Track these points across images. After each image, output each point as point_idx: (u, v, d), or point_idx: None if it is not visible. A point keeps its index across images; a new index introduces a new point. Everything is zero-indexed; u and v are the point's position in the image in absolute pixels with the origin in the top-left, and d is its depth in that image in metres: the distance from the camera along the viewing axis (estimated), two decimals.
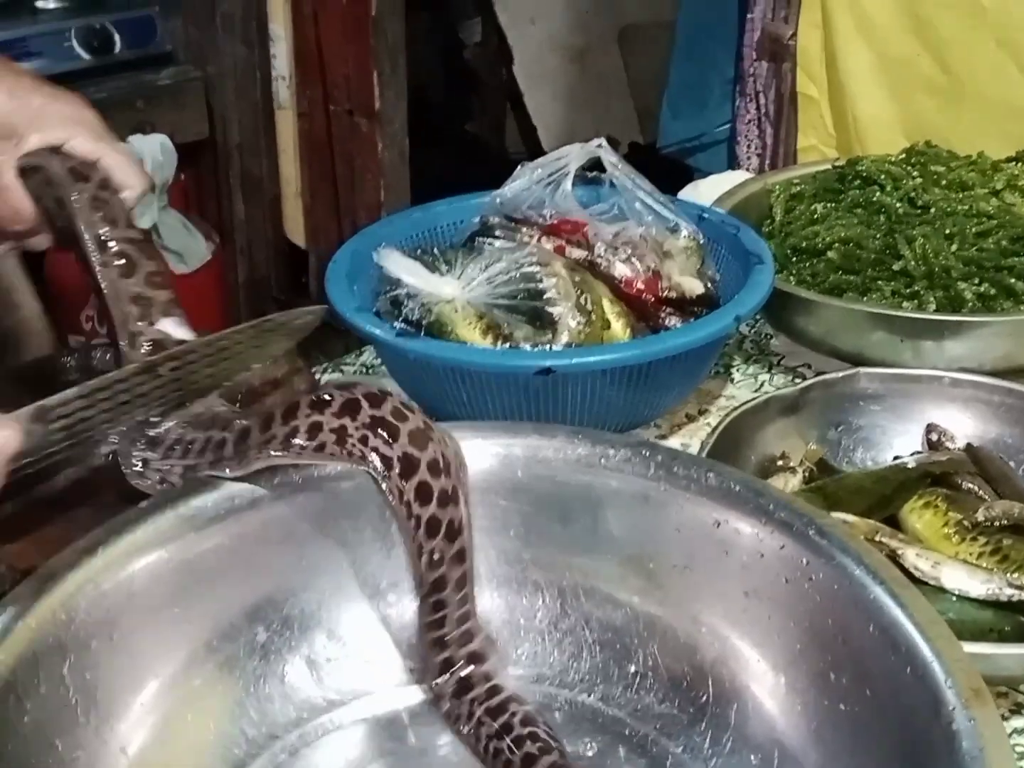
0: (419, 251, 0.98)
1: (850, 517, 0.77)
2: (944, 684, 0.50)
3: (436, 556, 0.59)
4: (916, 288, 1.01)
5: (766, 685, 0.60)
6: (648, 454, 0.65)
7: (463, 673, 0.61)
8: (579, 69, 3.22)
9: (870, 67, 1.64)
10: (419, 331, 0.88)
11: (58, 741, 0.54)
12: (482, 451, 0.65)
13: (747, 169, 1.83)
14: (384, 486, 0.59)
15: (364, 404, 0.58)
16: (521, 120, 3.27)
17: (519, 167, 1.04)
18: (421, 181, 2.28)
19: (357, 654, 0.66)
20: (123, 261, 0.69)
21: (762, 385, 1.05)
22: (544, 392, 0.85)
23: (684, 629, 0.63)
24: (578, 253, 0.98)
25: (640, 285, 0.96)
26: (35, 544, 0.65)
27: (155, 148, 2.10)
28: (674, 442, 0.95)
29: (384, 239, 0.99)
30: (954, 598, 0.73)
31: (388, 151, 2.19)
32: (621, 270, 0.96)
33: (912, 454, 0.86)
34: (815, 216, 1.12)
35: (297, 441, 0.58)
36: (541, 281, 0.90)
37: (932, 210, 1.09)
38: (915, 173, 1.14)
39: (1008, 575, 0.72)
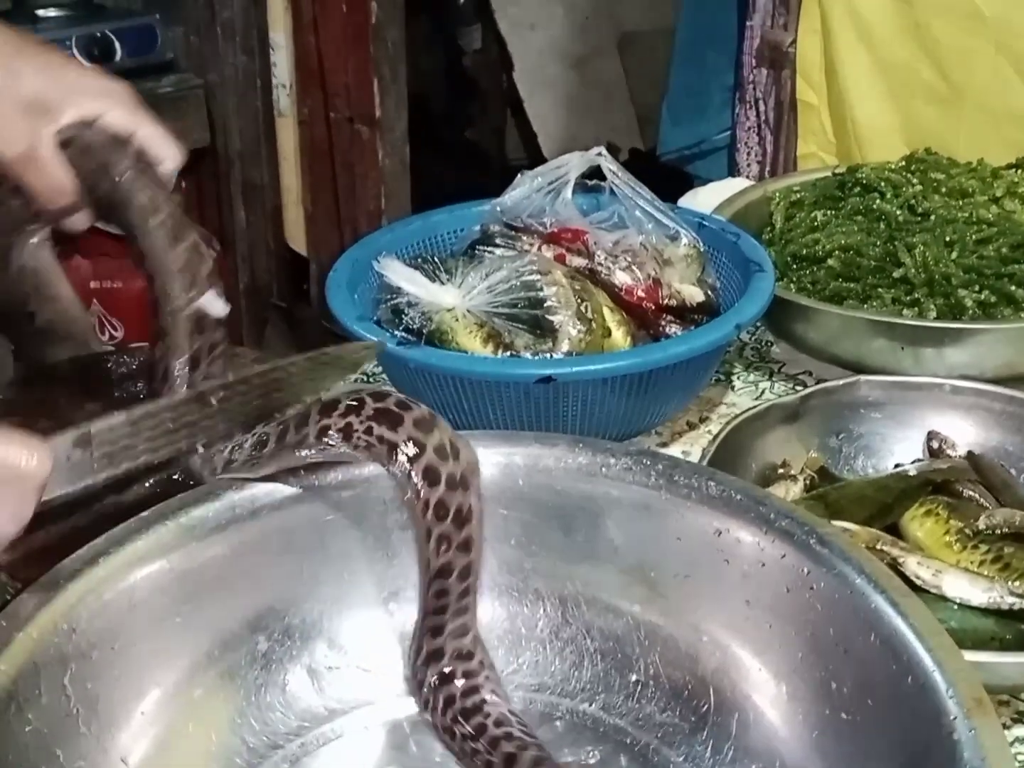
0: (419, 260, 0.98)
1: (851, 526, 0.77)
2: (946, 693, 0.50)
3: (444, 541, 0.59)
4: (916, 295, 1.01)
5: (767, 694, 0.60)
6: (649, 463, 0.65)
7: (447, 668, 0.61)
8: (579, 76, 3.22)
9: (870, 74, 1.64)
10: (420, 340, 0.88)
11: (59, 751, 0.54)
12: (483, 460, 0.65)
13: (747, 176, 1.83)
14: (391, 470, 0.59)
15: (368, 400, 0.60)
16: (521, 127, 3.27)
17: (519, 175, 1.04)
18: (422, 188, 2.29)
19: (358, 663, 0.66)
20: (169, 228, 0.69)
21: (763, 393, 1.05)
22: (545, 401, 0.85)
23: (685, 638, 0.63)
24: (578, 261, 0.98)
25: (640, 293, 0.96)
26: (36, 554, 0.65)
27: None
28: (675, 450, 0.95)
29: (384, 248, 0.99)
30: (955, 607, 0.73)
31: (389, 159, 2.19)
32: (621, 278, 0.96)
33: (913, 462, 0.86)
34: (815, 223, 1.13)
35: (309, 442, 0.60)
36: (541, 289, 0.90)
37: (932, 217, 1.09)
38: (915, 180, 1.14)
39: (1009, 583, 0.72)
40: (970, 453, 0.87)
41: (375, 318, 0.92)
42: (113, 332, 2.10)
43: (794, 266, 1.09)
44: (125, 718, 0.58)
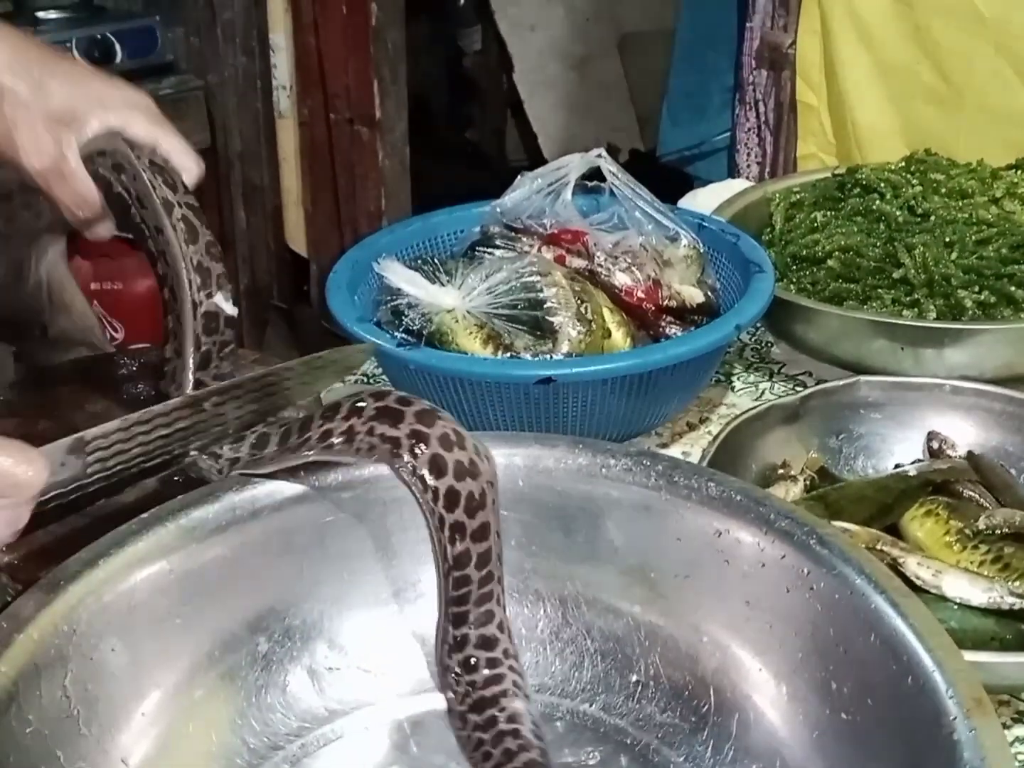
0: (419, 261, 0.98)
1: (851, 526, 0.77)
2: (945, 693, 0.50)
3: (457, 530, 0.59)
4: (916, 296, 1.01)
5: (767, 694, 0.60)
6: (649, 463, 0.65)
7: (471, 656, 0.61)
8: (579, 77, 3.23)
9: (869, 75, 1.64)
10: (420, 341, 0.88)
11: (60, 752, 0.54)
12: None
13: (747, 177, 1.83)
14: (396, 466, 0.59)
15: (369, 400, 0.60)
16: (521, 128, 3.28)
17: (519, 177, 1.04)
18: (422, 189, 2.29)
19: (358, 664, 0.66)
20: (186, 227, 0.71)
21: (763, 393, 1.05)
22: (545, 401, 0.85)
23: (685, 639, 0.63)
24: (578, 262, 0.98)
25: (640, 294, 0.96)
26: (36, 556, 0.66)
27: None
28: (675, 451, 0.95)
29: (384, 249, 0.99)
30: (955, 607, 0.73)
31: (389, 160, 2.20)
32: (621, 279, 0.96)
33: (913, 462, 0.87)
34: (815, 224, 1.13)
35: (312, 444, 0.60)
36: (541, 291, 0.90)
37: (932, 218, 1.09)
38: (915, 181, 1.14)
39: (1009, 583, 0.72)
40: (970, 453, 0.87)
41: (375, 319, 0.92)
42: (113, 333, 2.10)
43: (794, 267, 1.09)
44: (125, 719, 0.58)
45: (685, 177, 2.12)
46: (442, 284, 0.92)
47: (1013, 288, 1.00)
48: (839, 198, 1.17)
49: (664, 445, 0.96)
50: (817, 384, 0.94)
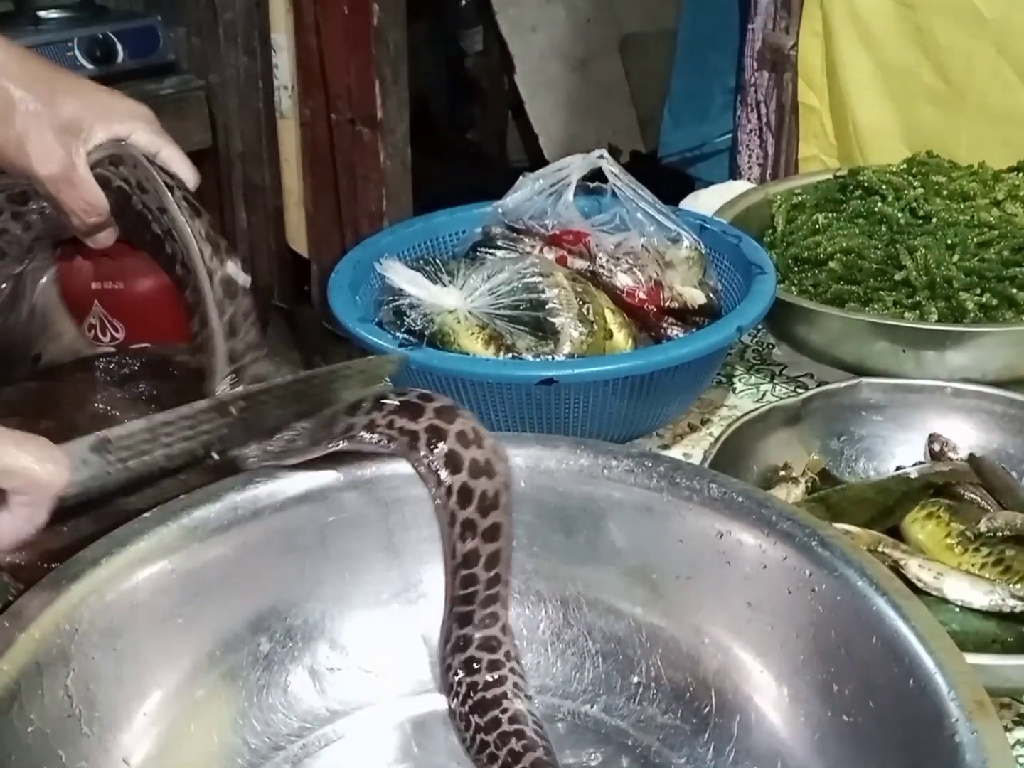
0: (421, 261, 0.98)
1: (852, 528, 0.77)
2: (947, 696, 0.50)
3: (469, 528, 0.59)
4: (918, 298, 1.01)
5: (769, 696, 0.60)
6: (651, 465, 0.65)
7: (473, 657, 0.61)
8: (580, 78, 3.23)
9: (871, 77, 1.64)
10: (421, 341, 0.88)
11: (61, 752, 0.54)
12: None
13: (748, 179, 1.83)
14: (412, 460, 0.60)
15: (391, 396, 0.61)
16: (523, 129, 3.27)
17: (521, 177, 1.04)
18: (423, 190, 2.29)
19: (360, 664, 0.66)
20: (188, 205, 0.73)
21: (764, 395, 1.05)
22: (546, 402, 0.85)
23: (687, 640, 0.63)
24: (580, 263, 0.98)
25: (642, 295, 0.96)
26: (39, 555, 0.66)
27: None
28: (676, 452, 0.95)
29: (386, 249, 0.99)
30: (957, 609, 0.73)
31: (390, 160, 2.19)
32: (623, 280, 0.96)
33: (914, 464, 0.87)
34: (816, 226, 1.13)
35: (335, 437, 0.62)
36: (543, 291, 0.90)
37: (934, 220, 1.09)
38: (916, 183, 1.14)
39: (1011, 586, 0.72)
40: (971, 456, 0.87)
41: (377, 320, 0.92)
42: (114, 333, 2.10)
43: (795, 269, 1.09)
44: (127, 719, 0.58)
45: (686, 178, 2.12)
46: (444, 285, 0.92)
47: (1014, 290, 1.00)
48: (841, 200, 1.17)
49: (665, 446, 0.96)
50: (818, 386, 0.94)
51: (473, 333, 0.89)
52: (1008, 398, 0.89)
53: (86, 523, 0.64)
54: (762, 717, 0.60)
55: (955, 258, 1.03)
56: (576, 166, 1.02)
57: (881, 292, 1.03)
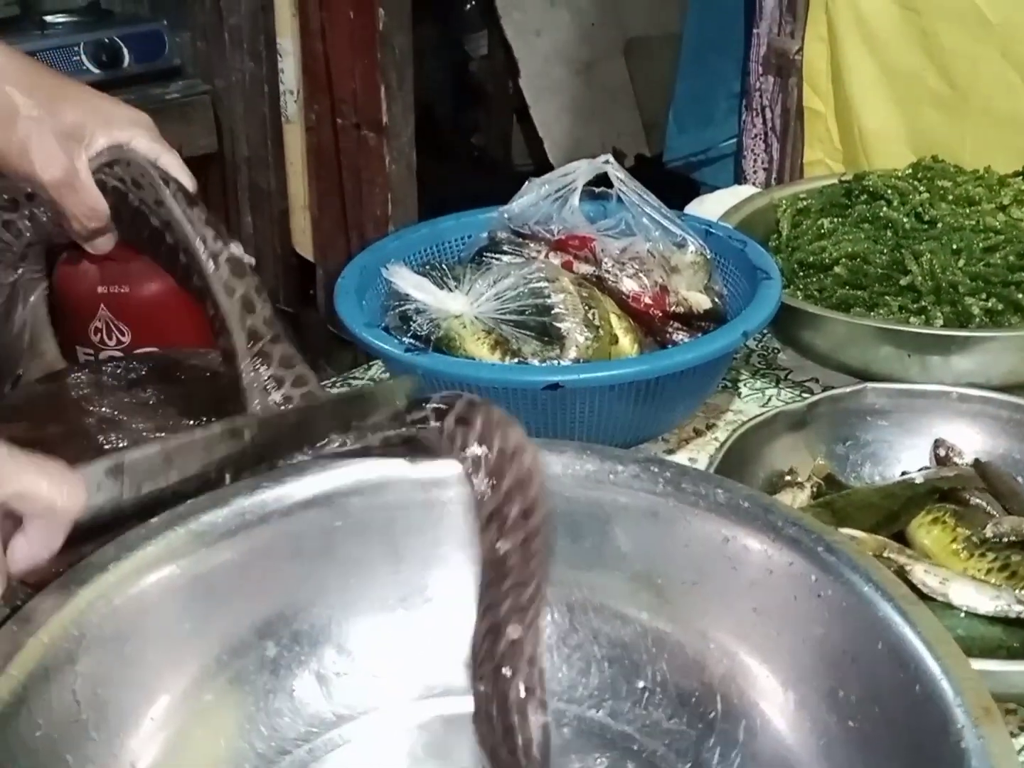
0: (427, 266, 0.99)
1: (858, 533, 0.77)
2: (953, 702, 0.50)
3: (495, 493, 0.60)
4: (923, 303, 1.01)
5: (775, 702, 0.60)
6: (657, 470, 0.65)
7: (502, 663, 0.60)
8: (585, 82, 3.23)
9: (876, 81, 1.64)
10: (427, 346, 0.89)
11: (69, 756, 0.54)
12: None
13: (753, 184, 1.83)
14: (441, 442, 0.62)
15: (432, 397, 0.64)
16: (527, 133, 3.27)
17: (527, 183, 1.05)
18: (428, 194, 2.29)
19: (366, 669, 0.66)
20: (185, 196, 0.74)
21: (769, 400, 1.05)
22: (552, 407, 0.85)
23: (693, 645, 0.63)
24: (585, 268, 0.98)
25: (647, 300, 0.96)
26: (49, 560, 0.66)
27: None
28: (682, 457, 0.95)
29: (392, 254, 1.00)
30: (963, 615, 0.73)
31: (395, 164, 2.20)
32: (628, 285, 0.97)
33: (920, 469, 0.87)
34: (822, 231, 1.13)
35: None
36: (549, 296, 0.90)
37: (939, 225, 1.09)
38: (922, 188, 1.14)
39: (1017, 591, 0.72)
40: (977, 461, 0.87)
41: (383, 325, 0.92)
42: (120, 337, 2.10)
43: (801, 273, 1.10)
44: (134, 723, 0.58)
45: (691, 183, 2.12)
46: (450, 290, 0.92)
47: (1020, 295, 1.00)
48: (846, 204, 1.17)
49: (671, 451, 0.97)
50: (824, 391, 0.94)
51: (479, 338, 0.89)
52: (1013, 403, 0.89)
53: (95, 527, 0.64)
54: (768, 722, 0.60)
55: (960, 263, 1.03)
56: (582, 171, 1.02)
57: (886, 297, 1.03)
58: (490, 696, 0.58)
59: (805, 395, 1.01)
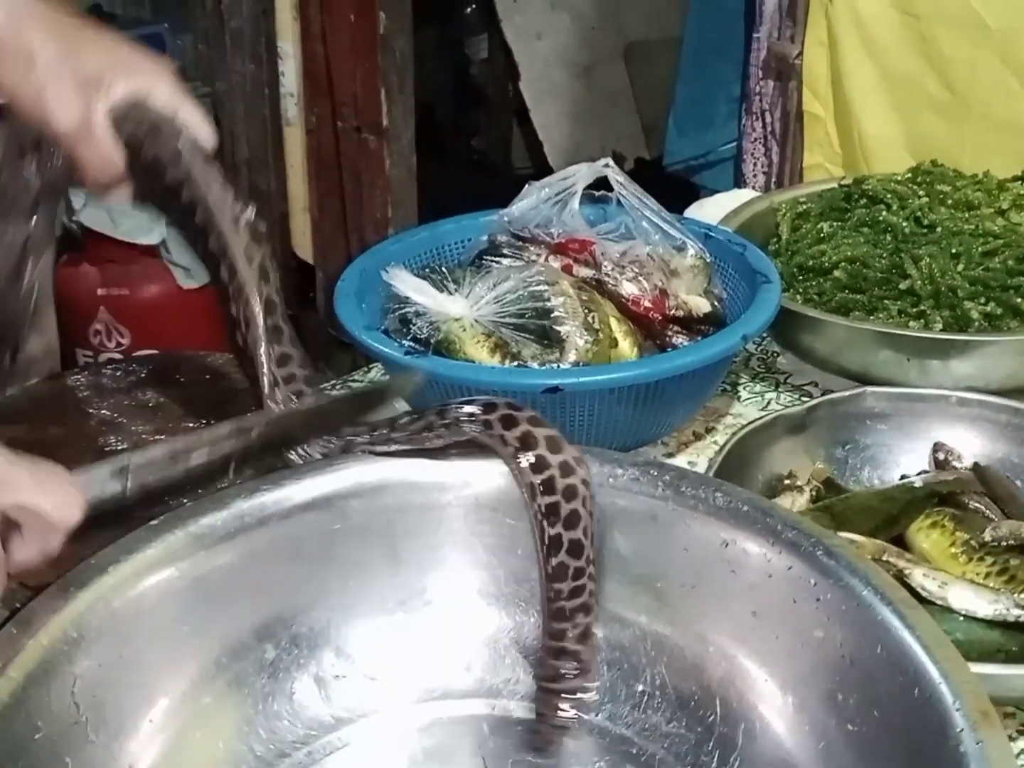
0: (427, 269, 0.99)
1: (857, 537, 0.77)
2: (952, 705, 0.50)
3: (551, 488, 0.61)
4: (922, 307, 1.01)
5: (774, 705, 0.60)
6: (656, 473, 0.66)
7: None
8: (585, 85, 3.23)
9: (875, 86, 1.64)
10: (427, 349, 0.89)
11: (68, 758, 0.54)
12: (490, 470, 0.66)
13: (753, 187, 1.83)
14: (490, 441, 0.63)
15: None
16: (527, 136, 3.28)
17: (526, 186, 1.05)
18: (428, 197, 2.29)
19: (365, 672, 0.66)
20: (204, 154, 0.72)
21: (769, 403, 1.05)
22: (552, 410, 0.85)
23: (692, 648, 0.64)
24: (585, 272, 0.98)
25: (647, 304, 0.96)
26: (46, 562, 0.66)
27: None
28: (681, 460, 0.95)
29: (392, 257, 1.00)
30: (961, 618, 0.73)
31: (396, 167, 2.20)
32: (628, 289, 0.97)
33: (919, 473, 0.87)
34: (821, 235, 1.13)
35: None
36: (549, 300, 0.90)
37: (938, 229, 1.09)
38: (921, 192, 1.14)
39: (1015, 595, 0.73)
40: (976, 465, 0.87)
41: (383, 327, 0.92)
42: (120, 339, 2.11)
43: (800, 277, 1.10)
44: (133, 726, 0.58)
45: (691, 186, 2.12)
46: (450, 293, 0.92)
47: (1019, 300, 1.00)
48: (845, 209, 1.17)
49: (670, 455, 0.97)
50: (823, 394, 0.94)
51: (479, 341, 0.89)
52: (1012, 407, 0.89)
53: (94, 530, 0.64)
54: (767, 726, 0.60)
55: (960, 267, 1.03)
56: (582, 175, 1.02)
57: (886, 301, 1.03)
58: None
59: (804, 399, 1.01)
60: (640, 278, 0.97)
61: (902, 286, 1.03)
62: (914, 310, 1.02)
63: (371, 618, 0.66)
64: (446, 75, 3.39)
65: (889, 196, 1.14)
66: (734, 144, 2.01)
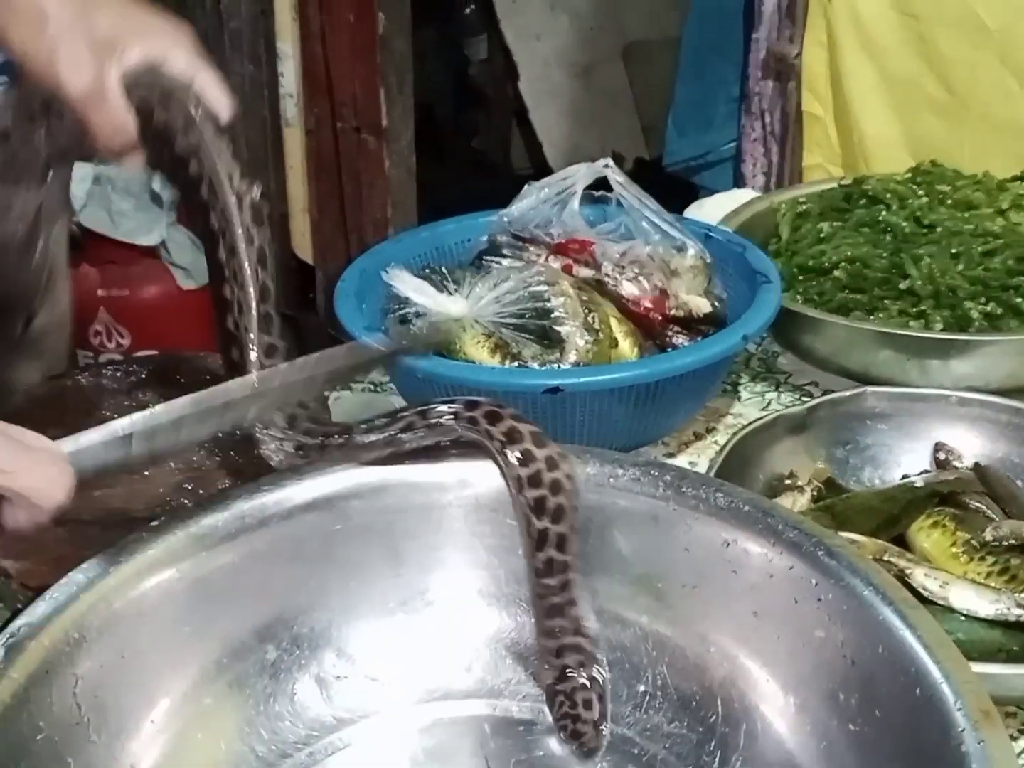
0: (427, 270, 0.99)
1: (858, 537, 0.77)
2: (953, 705, 0.50)
3: (537, 482, 0.61)
4: (923, 307, 1.01)
5: (775, 705, 0.60)
6: (657, 474, 0.66)
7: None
8: (584, 85, 3.23)
9: (875, 86, 1.64)
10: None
11: (70, 759, 0.54)
12: (490, 471, 0.65)
13: (753, 187, 1.83)
14: (476, 437, 0.63)
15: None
16: (527, 136, 3.28)
17: (526, 186, 1.05)
18: (428, 197, 2.29)
19: (366, 672, 0.66)
20: (216, 125, 0.69)
21: (769, 403, 1.05)
22: (552, 411, 0.85)
23: (693, 649, 0.64)
24: (585, 272, 0.98)
25: (647, 304, 0.96)
26: (47, 563, 0.66)
27: None
28: (682, 460, 0.95)
29: (392, 258, 1.00)
30: (963, 618, 0.73)
31: (395, 168, 2.20)
32: (628, 289, 0.97)
33: (920, 473, 0.87)
34: (821, 235, 1.13)
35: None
36: (549, 300, 0.90)
37: (938, 229, 1.09)
38: (921, 192, 1.14)
39: (1016, 595, 0.73)
40: (976, 465, 0.87)
41: (383, 328, 0.92)
42: (120, 340, 2.11)
43: (800, 277, 1.10)
44: (135, 727, 0.58)
45: (690, 187, 2.12)
46: (450, 293, 0.92)
47: (1019, 299, 1.00)
48: (845, 209, 1.17)
49: (671, 455, 0.97)
50: (824, 394, 0.94)
51: (479, 341, 0.89)
52: (1013, 407, 0.89)
53: (95, 530, 0.64)
54: (768, 726, 0.60)
55: (960, 267, 1.03)
56: (581, 175, 1.02)
57: (886, 301, 1.03)
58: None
59: (805, 399, 1.01)
60: (640, 278, 0.97)
61: (902, 286, 1.03)
62: (914, 310, 1.02)
63: (372, 619, 0.66)
64: (445, 75, 3.39)
65: (889, 196, 1.14)
66: (733, 144, 2.01)
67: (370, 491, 0.65)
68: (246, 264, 0.67)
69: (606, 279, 0.97)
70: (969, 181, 1.18)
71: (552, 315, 0.90)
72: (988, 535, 0.77)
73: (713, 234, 1.05)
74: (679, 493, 0.65)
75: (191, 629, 0.61)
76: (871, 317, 1.02)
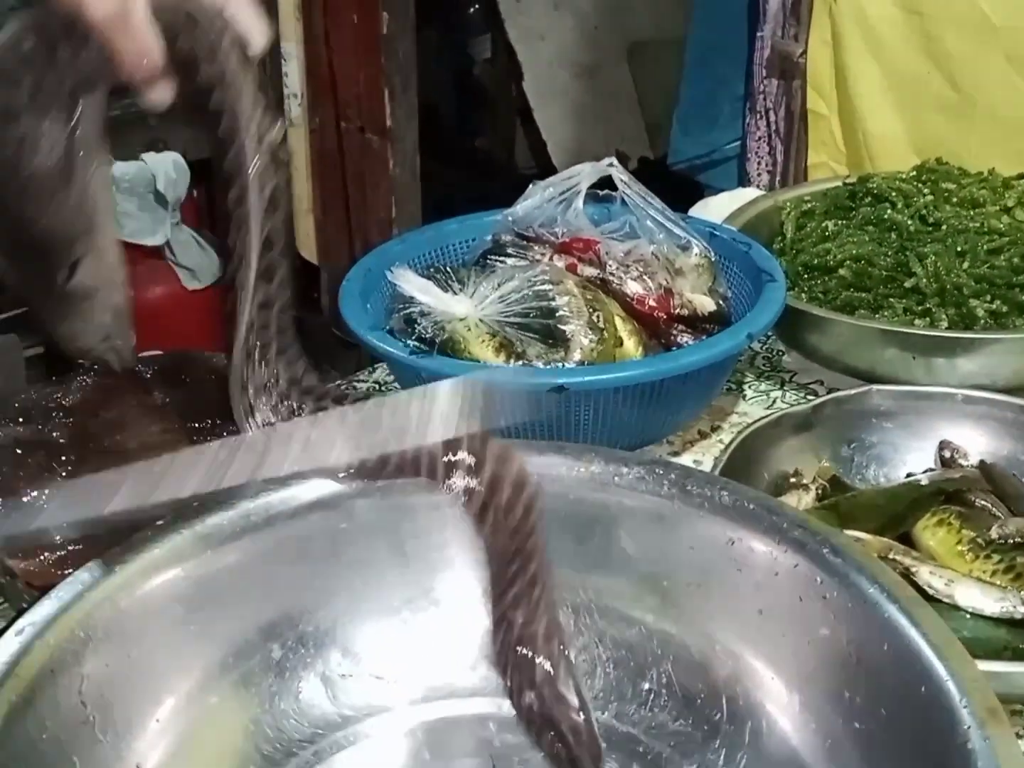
0: (432, 269, 0.99)
1: (863, 535, 0.77)
2: (959, 703, 0.50)
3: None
4: (928, 305, 1.01)
5: (780, 703, 0.60)
6: (662, 472, 0.66)
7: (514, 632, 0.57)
8: (588, 85, 3.23)
9: (880, 84, 1.64)
10: (432, 349, 0.89)
11: (76, 758, 0.54)
12: None
13: (757, 186, 1.83)
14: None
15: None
16: (531, 136, 3.28)
17: (531, 185, 1.05)
18: (432, 197, 2.30)
19: (372, 671, 0.66)
20: (243, 56, 0.66)
21: (774, 402, 1.05)
22: (557, 410, 0.85)
23: (698, 647, 0.64)
24: (590, 271, 0.98)
25: (652, 303, 0.96)
26: (52, 562, 0.66)
27: (168, 166, 2.12)
28: (687, 459, 0.95)
29: (396, 257, 1.00)
30: (968, 616, 0.73)
31: (399, 168, 2.20)
32: (633, 288, 0.97)
33: (925, 471, 0.86)
34: (826, 233, 1.13)
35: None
36: (553, 299, 0.90)
37: (943, 227, 1.09)
38: (926, 190, 1.14)
39: (1022, 593, 0.72)
40: (982, 463, 0.87)
41: (388, 327, 0.92)
42: None
43: (805, 276, 1.10)
44: (141, 725, 0.58)
45: (695, 185, 2.12)
46: (455, 292, 0.93)
47: None
48: (850, 207, 1.17)
49: (676, 453, 0.97)
50: (829, 393, 0.94)
51: (484, 341, 0.89)
52: (1018, 405, 0.89)
53: (99, 531, 0.64)
54: (773, 724, 0.60)
55: (965, 265, 1.03)
56: (586, 174, 1.02)
57: (891, 299, 1.03)
58: (521, 686, 0.55)
59: (810, 397, 1.01)
60: (645, 277, 0.97)
61: (907, 284, 1.03)
62: (919, 308, 1.02)
63: (378, 617, 0.66)
64: (449, 76, 3.39)
65: (894, 194, 1.14)
66: (738, 143, 2.01)
67: (376, 490, 0.65)
68: (252, 213, 0.64)
69: (610, 278, 0.97)
70: (975, 179, 1.17)
71: (556, 314, 0.90)
72: (994, 533, 0.77)
73: (718, 233, 1.05)
74: (684, 492, 0.64)
75: (197, 628, 0.61)
76: (876, 315, 1.02)
